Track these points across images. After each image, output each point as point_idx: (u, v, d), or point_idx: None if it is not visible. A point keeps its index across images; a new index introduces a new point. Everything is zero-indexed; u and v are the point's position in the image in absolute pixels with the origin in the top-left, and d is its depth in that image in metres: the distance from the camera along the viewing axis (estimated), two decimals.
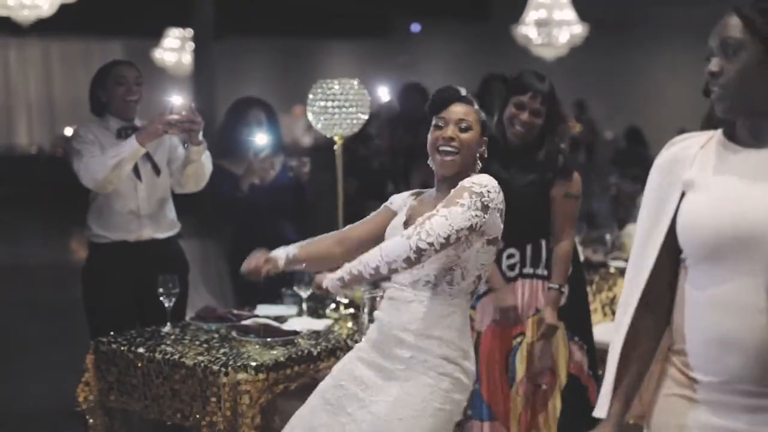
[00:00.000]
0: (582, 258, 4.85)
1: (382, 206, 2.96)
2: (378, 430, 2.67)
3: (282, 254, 2.91)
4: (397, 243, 2.57)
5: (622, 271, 5.01)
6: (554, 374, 3.67)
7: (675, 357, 1.90)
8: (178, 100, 3.74)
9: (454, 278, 2.68)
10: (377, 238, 2.82)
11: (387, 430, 2.66)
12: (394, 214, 2.89)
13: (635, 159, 10.72)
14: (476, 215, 2.57)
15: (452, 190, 2.66)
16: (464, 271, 2.67)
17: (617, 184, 8.20)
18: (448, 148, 2.72)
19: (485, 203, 2.59)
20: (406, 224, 2.76)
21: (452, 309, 2.70)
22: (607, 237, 5.36)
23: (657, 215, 1.90)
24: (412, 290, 2.71)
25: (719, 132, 1.92)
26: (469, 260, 2.66)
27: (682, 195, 1.87)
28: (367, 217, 2.98)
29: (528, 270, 3.64)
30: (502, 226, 2.70)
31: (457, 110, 2.75)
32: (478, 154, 2.78)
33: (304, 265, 2.97)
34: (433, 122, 2.77)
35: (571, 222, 3.67)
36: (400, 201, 2.91)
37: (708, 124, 3.59)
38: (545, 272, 3.63)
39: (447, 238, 2.54)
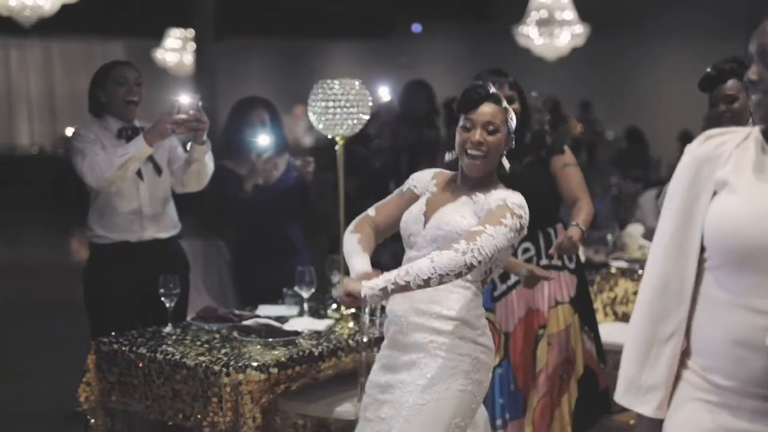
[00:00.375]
0: (583, 258, 4.87)
1: (407, 188, 2.97)
2: (405, 419, 2.71)
3: (368, 265, 2.81)
4: (451, 258, 2.58)
5: (623, 272, 5.01)
6: (572, 364, 3.71)
7: (690, 360, 1.88)
8: (185, 99, 3.74)
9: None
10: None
11: (413, 417, 2.71)
12: (418, 197, 2.93)
13: (636, 159, 10.73)
14: (514, 236, 2.68)
15: (493, 204, 2.70)
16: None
17: (618, 184, 8.19)
18: (477, 152, 2.76)
19: (522, 225, 2.70)
20: (426, 215, 2.82)
21: (465, 292, 2.76)
22: (609, 237, 5.36)
23: (688, 217, 1.85)
24: None
25: (756, 130, 1.86)
26: None
27: (713, 194, 1.83)
28: (391, 198, 2.99)
29: (544, 261, 3.68)
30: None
31: (486, 111, 2.77)
32: (504, 152, 2.82)
33: None
34: (461, 122, 2.80)
35: (581, 186, 3.71)
36: (424, 184, 2.94)
37: (708, 124, 3.59)
38: (560, 262, 3.69)
39: (492, 257, 2.63)
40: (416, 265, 2.59)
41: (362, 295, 2.59)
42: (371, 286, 2.59)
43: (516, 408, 3.66)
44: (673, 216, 1.89)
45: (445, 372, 2.72)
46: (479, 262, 2.59)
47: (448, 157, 2.88)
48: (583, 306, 3.80)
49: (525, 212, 2.72)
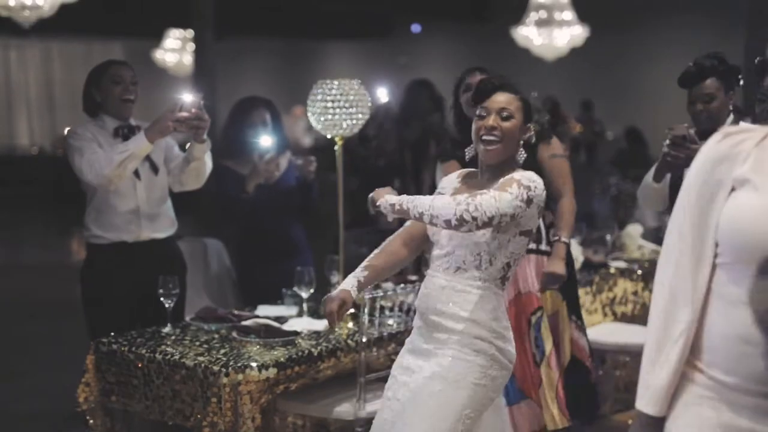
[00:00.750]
0: (582, 258, 4.87)
1: (436, 193, 2.99)
2: (415, 402, 2.76)
3: (351, 284, 2.91)
4: (446, 204, 2.68)
5: (622, 272, 5.02)
6: (561, 350, 3.73)
7: (695, 357, 1.87)
8: (188, 97, 3.75)
9: (482, 262, 2.77)
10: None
11: (423, 401, 2.75)
12: None
13: (636, 159, 10.72)
14: (520, 206, 2.69)
15: (501, 180, 2.76)
16: (492, 257, 2.77)
17: (618, 184, 8.18)
18: (491, 137, 2.79)
19: (530, 197, 2.71)
20: None
21: (482, 293, 2.79)
22: (608, 237, 5.36)
23: (703, 216, 1.83)
24: (444, 276, 2.81)
25: None
26: (499, 247, 2.76)
27: (730, 192, 1.80)
28: None
29: (531, 246, 3.69)
30: (538, 222, 2.84)
31: (499, 99, 2.81)
32: (522, 141, 2.84)
33: (375, 282, 3.04)
34: (477, 112, 2.84)
35: (566, 179, 3.76)
36: (449, 186, 2.97)
37: (693, 122, 3.61)
38: (548, 248, 3.71)
39: (491, 219, 2.66)
40: (420, 198, 2.75)
41: (377, 204, 2.81)
42: (387, 199, 2.79)
43: (508, 393, 3.64)
44: (687, 213, 1.87)
45: (461, 364, 2.76)
46: (473, 218, 2.63)
47: (469, 153, 2.91)
48: (570, 295, 3.82)
49: (535, 186, 2.73)
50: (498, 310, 2.83)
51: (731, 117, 3.57)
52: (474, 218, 2.63)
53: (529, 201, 2.70)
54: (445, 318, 2.79)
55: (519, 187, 2.70)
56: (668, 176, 3.61)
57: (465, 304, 2.78)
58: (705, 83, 3.56)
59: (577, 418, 3.79)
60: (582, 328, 3.86)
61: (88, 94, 4.02)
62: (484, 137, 2.80)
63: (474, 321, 2.77)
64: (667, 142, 3.49)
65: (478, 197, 2.66)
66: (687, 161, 3.42)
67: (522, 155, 2.85)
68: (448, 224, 2.67)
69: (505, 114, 2.80)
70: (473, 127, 2.83)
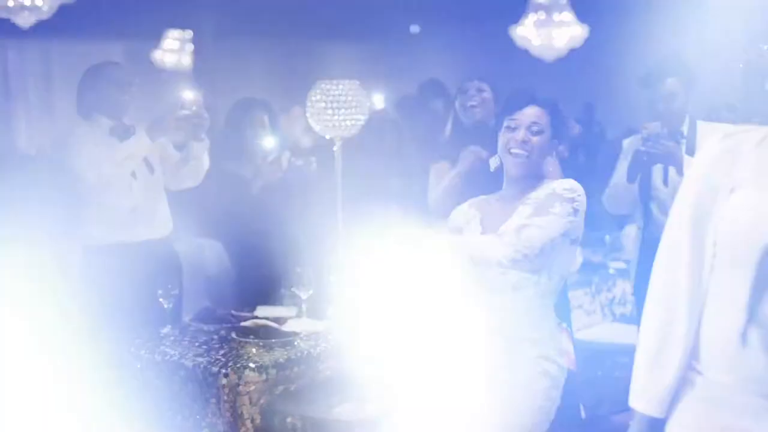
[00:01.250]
0: (581, 259, 4.87)
1: (450, 228, 2.95)
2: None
3: None
4: (492, 245, 2.66)
5: (621, 272, 5.02)
6: None
7: (693, 358, 1.87)
8: (189, 96, 3.76)
9: (541, 280, 2.74)
10: None
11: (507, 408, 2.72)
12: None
13: None
14: (569, 221, 2.67)
15: (540, 197, 2.71)
16: (550, 273, 2.74)
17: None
18: (519, 151, 2.78)
19: (576, 208, 2.69)
20: (484, 226, 2.82)
21: (542, 310, 2.77)
22: (606, 238, 5.36)
23: (703, 216, 1.84)
24: (504, 296, 2.76)
25: None
26: (554, 263, 2.73)
27: (730, 192, 1.81)
28: None
29: None
30: (583, 226, 2.78)
31: (530, 113, 2.80)
32: (549, 156, 2.84)
33: None
34: (505, 124, 2.82)
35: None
36: (462, 218, 2.93)
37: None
38: None
39: (542, 249, 2.63)
40: (467, 239, 2.74)
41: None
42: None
43: None
44: (686, 213, 1.87)
45: (524, 391, 2.74)
46: (524, 255, 2.61)
47: (494, 164, 2.89)
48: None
49: (577, 194, 2.70)
50: (557, 324, 2.82)
51: (687, 118, 3.61)
52: (525, 255, 2.62)
53: (576, 212, 2.68)
54: (506, 340, 2.75)
55: (562, 204, 2.67)
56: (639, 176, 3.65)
57: (526, 323, 2.75)
58: (666, 83, 3.58)
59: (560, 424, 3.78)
60: (568, 333, 3.82)
61: (83, 94, 4.03)
62: (513, 150, 2.78)
63: (536, 340, 2.74)
64: (641, 138, 3.53)
65: (523, 232, 2.63)
66: (664, 158, 3.45)
67: (552, 165, 2.87)
68: (500, 265, 2.65)
69: (535, 128, 2.78)
70: (500, 140, 2.82)
